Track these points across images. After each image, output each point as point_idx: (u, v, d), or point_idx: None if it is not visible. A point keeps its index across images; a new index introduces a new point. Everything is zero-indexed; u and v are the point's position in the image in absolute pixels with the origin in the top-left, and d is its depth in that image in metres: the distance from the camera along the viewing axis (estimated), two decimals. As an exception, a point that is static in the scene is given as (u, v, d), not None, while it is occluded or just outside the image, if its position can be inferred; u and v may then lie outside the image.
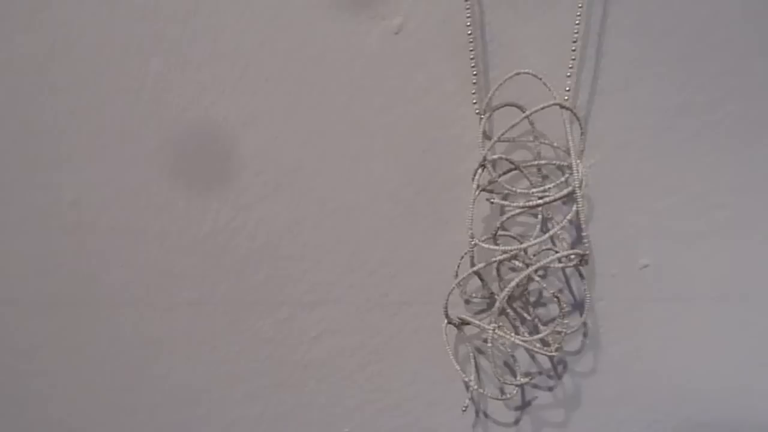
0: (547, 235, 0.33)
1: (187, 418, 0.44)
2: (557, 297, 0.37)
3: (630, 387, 0.44)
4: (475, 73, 0.34)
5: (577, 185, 0.31)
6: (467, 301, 0.42)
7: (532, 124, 0.36)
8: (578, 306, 0.42)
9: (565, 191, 0.32)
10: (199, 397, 0.44)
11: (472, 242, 0.33)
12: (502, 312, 0.36)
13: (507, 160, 0.36)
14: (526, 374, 0.40)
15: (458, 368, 0.36)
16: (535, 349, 0.35)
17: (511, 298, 0.41)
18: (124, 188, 0.40)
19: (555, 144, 0.36)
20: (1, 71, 0.39)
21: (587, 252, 0.34)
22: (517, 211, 0.33)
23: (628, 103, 0.39)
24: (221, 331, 0.43)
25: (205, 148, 0.39)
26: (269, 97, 0.38)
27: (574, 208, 0.33)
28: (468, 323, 0.38)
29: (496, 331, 0.34)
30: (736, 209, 0.40)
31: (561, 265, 0.36)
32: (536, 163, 0.35)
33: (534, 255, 0.39)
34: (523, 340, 0.35)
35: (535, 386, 0.44)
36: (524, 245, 0.33)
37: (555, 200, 0.31)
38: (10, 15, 0.38)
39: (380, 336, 0.43)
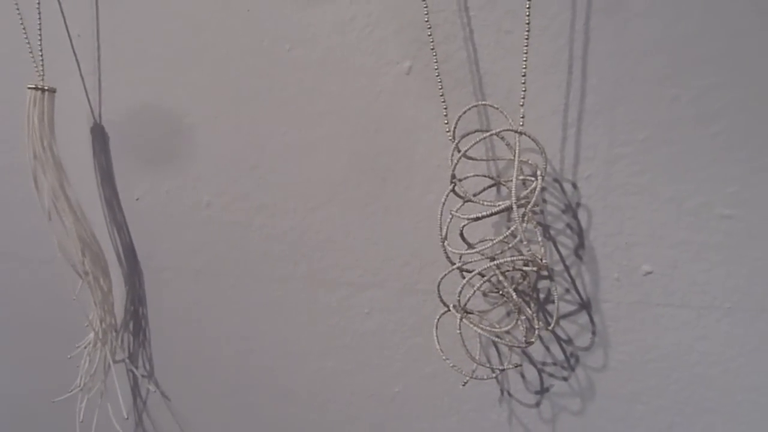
0: (497, 239, 0.38)
1: (279, 366, 0.59)
2: (507, 295, 0.42)
3: (645, 387, 0.46)
4: (445, 106, 0.41)
5: (513, 201, 0.37)
6: (485, 294, 0.48)
7: (508, 145, 0.41)
8: (586, 305, 0.46)
9: (502, 206, 0.37)
10: (290, 350, 0.58)
11: (442, 245, 0.41)
12: (464, 309, 0.42)
13: (486, 177, 0.42)
14: (516, 364, 0.45)
15: (438, 347, 0.43)
16: (499, 341, 0.41)
17: (519, 293, 0.46)
18: (237, 195, 0.56)
19: (530, 161, 0.41)
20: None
21: (540, 258, 0.39)
22: (466, 222, 0.39)
23: (617, 119, 0.42)
24: (303, 301, 0.56)
25: (281, 169, 0.53)
26: (317, 128, 0.50)
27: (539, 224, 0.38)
28: (469, 312, 0.45)
29: (463, 320, 0.41)
30: (740, 221, 0.40)
31: (529, 268, 0.40)
32: (497, 179, 0.40)
33: (542, 259, 0.44)
34: (485, 331, 0.41)
35: (552, 375, 0.48)
36: (475, 250, 0.39)
37: (491, 215, 0.37)
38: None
39: (416, 316, 0.52)
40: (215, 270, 0.59)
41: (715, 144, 0.40)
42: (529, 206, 0.38)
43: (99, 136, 0.60)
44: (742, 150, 0.39)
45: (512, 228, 0.37)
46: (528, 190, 0.38)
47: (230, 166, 0.55)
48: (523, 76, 0.38)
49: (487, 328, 0.42)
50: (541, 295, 0.47)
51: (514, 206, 0.37)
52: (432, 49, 0.40)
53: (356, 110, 0.48)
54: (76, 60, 0.60)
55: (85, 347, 0.61)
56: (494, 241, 0.38)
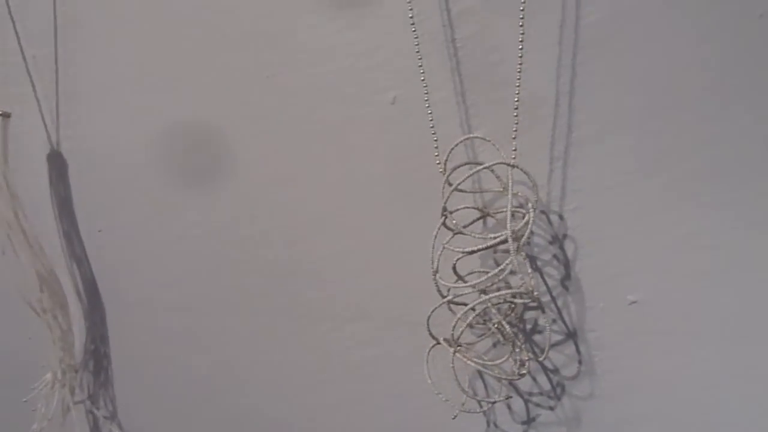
0: (492, 273, 0.38)
1: (260, 403, 0.56)
2: (501, 328, 0.41)
3: (631, 415, 0.46)
4: (435, 138, 0.40)
5: (509, 234, 0.36)
6: (471, 326, 0.48)
7: (498, 177, 0.41)
8: (572, 335, 0.46)
9: (498, 239, 0.37)
10: (271, 386, 0.55)
11: (434, 279, 0.40)
12: (456, 343, 0.41)
13: (475, 209, 0.42)
14: (507, 396, 0.45)
15: (430, 381, 0.43)
16: (493, 374, 0.41)
17: (509, 325, 0.46)
18: (214, 227, 0.53)
19: (519, 193, 0.41)
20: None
21: (531, 291, 0.39)
22: (461, 255, 0.39)
23: (604, 152, 0.42)
24: (290, 333, 0.53)
25: (262, 199, 0.51)
26: (300, 157, 0.49)
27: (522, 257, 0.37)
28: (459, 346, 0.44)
29: (456, 354, 0.40)
30: (722, 251, 0.41)
31: (520, 300, 0.40)
32: (485, 210, 0.41)
33: (534, 291, 0.44)
34: (479, 364, 0.40)
35: (538, 405, 0.48)
36: (468, 284, 0.39)
37: (487, 248, 0.37)
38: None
39: (403, 349, 0.50)
40: (188, 305, 0.56)
41: (699, 177, 0.40)
42: (523, 239, 0.38)
43: (57, 163, 0.56)
44: (726, 182, 0.40)
45: (508, 261, 0.37)
46: (522, 223, 0.38)
47: (206, 196, 0.53)
48: (516, 108, 0.38)
49: (480, 361, 0.41)
50: (528, 326, 0.47)
51: (510, 240, 0.36)
52: (423, 80, 0.40)
53: (341, 139, 0.47)
54: (32, 82, 0.56)
55: (42, 389, 0.57)
56: (489, 275, 0.37)
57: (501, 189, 0.42)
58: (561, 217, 0.44)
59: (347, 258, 0.50)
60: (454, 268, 0.41)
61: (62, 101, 0.56)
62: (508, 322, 0.45)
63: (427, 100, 0.40)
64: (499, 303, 0.42)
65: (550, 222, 0.44)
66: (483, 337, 0.47)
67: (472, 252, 0.37)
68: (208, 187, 0.53)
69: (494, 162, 0.38)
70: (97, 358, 0.59)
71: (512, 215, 0.42)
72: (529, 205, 0.39)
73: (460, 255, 0.38)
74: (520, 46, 0.37)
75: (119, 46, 0.53)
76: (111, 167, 0.55)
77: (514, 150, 0.38)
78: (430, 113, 0.40)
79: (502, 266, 0.37)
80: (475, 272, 0.44)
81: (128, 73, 0.53)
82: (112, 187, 0.56)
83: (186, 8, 0.50)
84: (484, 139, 0.39)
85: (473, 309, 0.41)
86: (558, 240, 0.44)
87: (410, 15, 0.39)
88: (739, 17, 0.38)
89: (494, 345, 0.48)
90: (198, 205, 0.54)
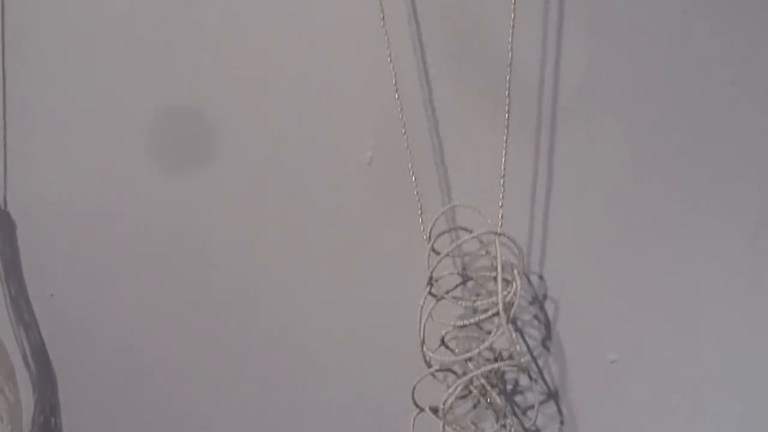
0: (475, 350, 0.37)
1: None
2: (491, 401, 0.41)
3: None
4: (420, 205, 0.40)
5: (500, 307, 0.36)
6: (449, 387, 0.47)
7: (481, 241, 0.41)
8: (553, 395, 0.46)
9: (489, 313, 0.36)
10: None
11: (421, 350, 0.39)
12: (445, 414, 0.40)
13: (459, 274, 0.41)
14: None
15: (420, 456, 0.41)
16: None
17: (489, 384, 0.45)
18: (174, 292, 0.51)
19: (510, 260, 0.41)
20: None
21: (519, 360, 0.38)
22: (451, 329, 0.38)
23: (582, 212, 0.42)
24: (254, 395, 0.51)
25: (227, 263, 0.49)
26: (282, 224, 0.47)
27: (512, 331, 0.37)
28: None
29: (446, 427, 0.39)
30: (701, 307, 0.42)
31: (508, 368, 0.40)
32: (467, 275, 0.40)
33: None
34: (468, 436, 0.39)
35: (520, 471, 0.48)
36: (458, 357, 0.38)
37: (478, 322, 0.36)
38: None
39: (388, 412, 0.49)
40: (145, 374, 0.53)
41: (678, 236, 0.41)
42: (513, 309, 0.37)
43: (4, 223, 0.52)
44: (707, 241, 0.41)
45: (499, 332, 0.36)
46: (511, 294, 0.37)
47: (166, 257, 0.50)
48: (502, 177, 0.38)
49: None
50: (509, 386, 0.47)
51: (502, 312, 0.36)
52: (407, 147, 0.39)
53: (313, 200, 0.46)
54: (-24, 137, 0.52)
55: (-16, 470, 0.52)
56: (479, 348, 0.37)
57: (483, 253, 0.41)
58: (541, 277, 0.44)
59: (321, 318, 0.49)
60: (442, 340, 0.40)
61: (10, 157, 0.52)
62: (489, 383, 0.44)
63: (411, 165, 0.39)
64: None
65: (530, 282, 0.44)
66: (464, 398, 0.46)
67: (464, 326, 0.37)
68: (168, 248, 0.50)
69: (482, 231, 0.38)
70: (47, 430, 0.55)
71: (495, 281, 0.42)
72: (515, 272, 0.39)
73: (450, 329, 0.37)
74: (507, 109, 0.37)
75: (69, 101, 0.51)
76: (62, 228, 0.52)
77: (501, 218, 0.38)
78: (415, 179, 0.39)
79: (491, 339, 0.36)
80: (457, 338, 0.43)
81: (80, 128, 0.51)
82: (64, 249, 0.52)
83: (141, 58, 0.49)
84: (472, 207, 0.38)
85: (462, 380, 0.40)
86: (538, 300, 0.44)
87: (393, 81, 0.39)
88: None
89: (474, 406, 0.47)
90: (157, 267, 0.51)
